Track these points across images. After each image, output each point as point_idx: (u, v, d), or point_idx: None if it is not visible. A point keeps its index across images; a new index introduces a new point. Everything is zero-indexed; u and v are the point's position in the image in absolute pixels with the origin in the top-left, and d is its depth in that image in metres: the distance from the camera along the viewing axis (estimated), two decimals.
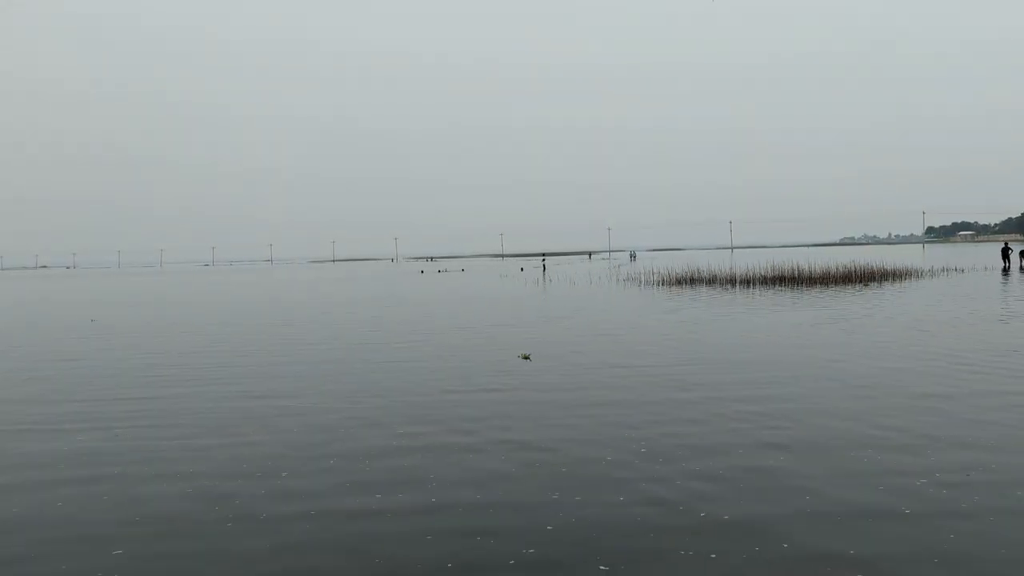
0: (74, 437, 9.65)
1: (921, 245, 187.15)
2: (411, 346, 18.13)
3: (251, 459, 8.43)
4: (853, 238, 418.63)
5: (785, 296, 31.02)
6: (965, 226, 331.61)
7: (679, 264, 70.01)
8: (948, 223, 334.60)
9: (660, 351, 15.98)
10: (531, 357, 15.65)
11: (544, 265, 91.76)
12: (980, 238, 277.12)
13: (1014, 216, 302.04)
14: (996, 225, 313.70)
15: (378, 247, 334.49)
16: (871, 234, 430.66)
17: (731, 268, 48.52)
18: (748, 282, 40.70)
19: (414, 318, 25.94)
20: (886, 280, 40.68)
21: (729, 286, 39.13)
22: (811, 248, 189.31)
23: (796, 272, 41.95)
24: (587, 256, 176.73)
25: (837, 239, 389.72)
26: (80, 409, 11.44)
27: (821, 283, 39.22)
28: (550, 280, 53.40)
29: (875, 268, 44.31)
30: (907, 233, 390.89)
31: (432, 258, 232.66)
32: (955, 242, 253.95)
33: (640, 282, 45.12)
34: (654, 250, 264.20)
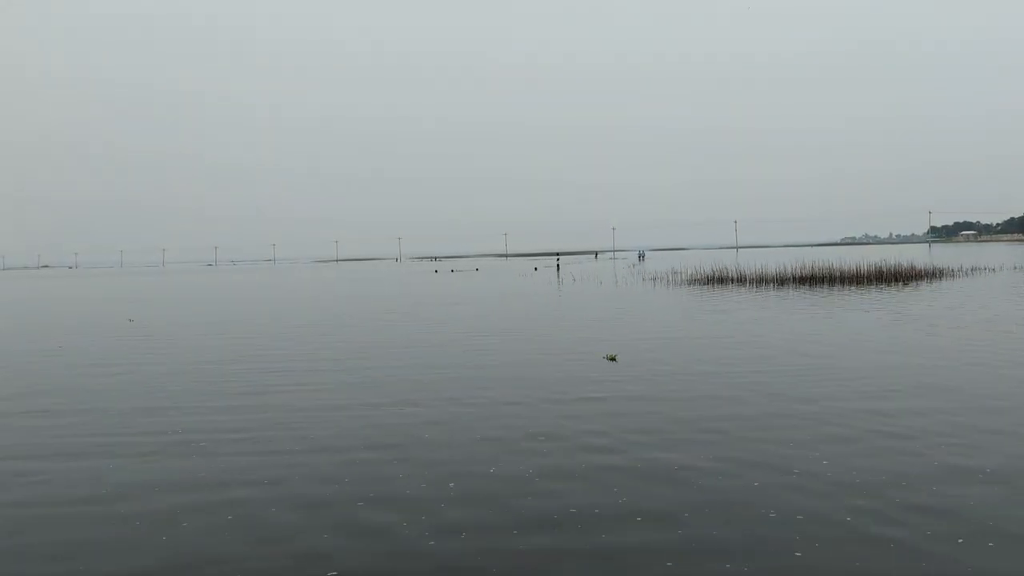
0: (179, 453, 8.75)
1: (927, 245, 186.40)
2: (481, 349, 17.23)
3: (379, 481, 7.52)
4: (854, 238, 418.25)
5: (828, 296, 30.18)
6: (967, 226, 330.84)
7: (690, 264, 69.11)
8: (950, 223, 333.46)
9: (739, 356, 15.06)
10: (617, 359, 14.94)
11: (558, 265, 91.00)
12: (983, 238, 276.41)
13: (1016, 216, 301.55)
14: (998, 225, 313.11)
15: (380, 247, 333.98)
16: (872, 234, 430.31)
17: (755, 268, 47.65)
18: (779, 281, 39.92)
19: (463, 318, 25.03)
20: (921, 280, 39.86)
21: (762, 286, 38.32)
22: (814, 248, 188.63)
23: (830, 272, 41.22)
24: (593, 256, 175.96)
25: (838, 239, 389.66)
26: (172, 420, 10.51)
27: (854, 282, 38.45)
28: (573, 280, 52.52)
29: (905, 268, 43.48)
30: (908, 233, 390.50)
31: (436, 258, 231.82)
32: (958, 242, 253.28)
33: (667, 282, 44.29)
34: (657, 249, 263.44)
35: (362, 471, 7.92)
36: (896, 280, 39.32)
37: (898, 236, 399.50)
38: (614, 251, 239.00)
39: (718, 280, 42.23)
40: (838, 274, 40.61)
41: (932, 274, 42.62)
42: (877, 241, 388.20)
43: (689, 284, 41.52)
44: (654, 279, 47.92)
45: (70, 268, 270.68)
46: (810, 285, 37.97)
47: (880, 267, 42.91)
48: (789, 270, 43.06)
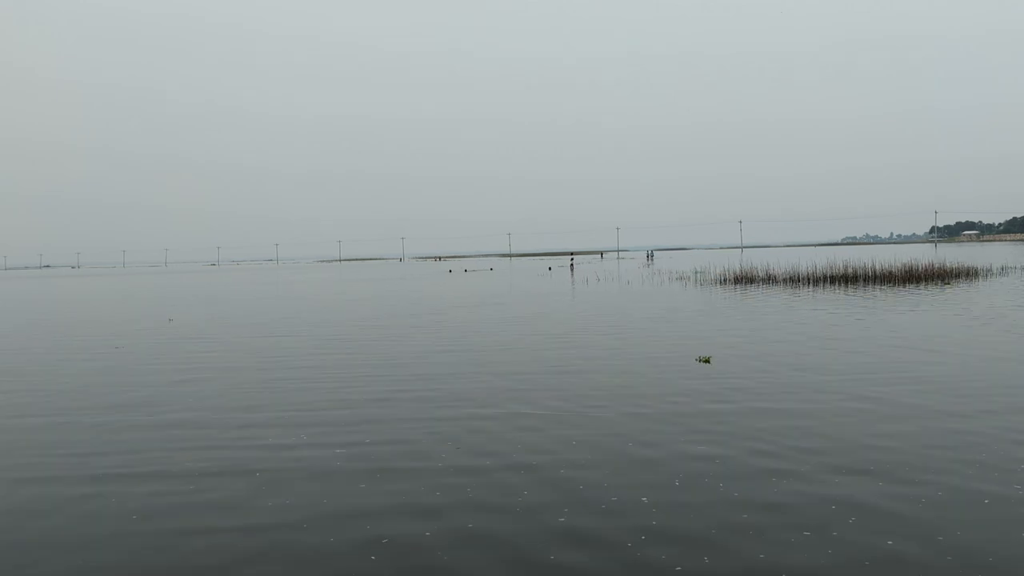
0: (311, 474, 7.83)
1: (933, 245, 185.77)
2: (556, 352, 16.35)
3: (550, 511, 6.64)
4: (855, 238, 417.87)
5: (875, 295, 29.42)
6: (969, 225, 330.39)
7: (698, 263, 68.22)
8: (952, 223, 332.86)
9: (838, 361, 14.09)
10: (711, 361, 14.30)
11: (572, 265, 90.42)
12: (985, 238, 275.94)
13: (1019, 215, 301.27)
14: (1000, 225, 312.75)
15: (383, 247, 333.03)
16: (872, 234, 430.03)
17: (782, 267, 46.91)
18: (812, 281, 39.26)
19: (515, 320, 24.10)
20: (958, 279, 39.21)
21: (797, 285, 37.62)
22: (818, 248, 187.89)
23: (864, 271, 40.59)
24: (599, 256, 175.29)
25: (839, 239, 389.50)
26: (286, 433, 9.62)
27: (890, 282, 37.80)
28: (598, 279, 51.78)
29: (936, 267, 42.87)
30: (908, 233, 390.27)
31: (440, 258, 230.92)
32: (961, 241, 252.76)
33: (695, 281, 43.61)
34: (661, 249, 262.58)
35: (523, 499, 7.02)
36: (932, 279, 38.69)
37: (899, 236, 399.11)
38: (619, 251, 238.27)
39: (747, 280, 41.55)
40: (871, 273, 40.01)
41: (966, 273, 41.95)
42: (878, 241, 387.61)
43: (720, 284, 40.82)
44: (680, 279, 47.23)
45: (73, 268, 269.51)
46: (845, 284, 37.29)
47: (911, 266, 42.33)
48: (819, 269, 42.48)
